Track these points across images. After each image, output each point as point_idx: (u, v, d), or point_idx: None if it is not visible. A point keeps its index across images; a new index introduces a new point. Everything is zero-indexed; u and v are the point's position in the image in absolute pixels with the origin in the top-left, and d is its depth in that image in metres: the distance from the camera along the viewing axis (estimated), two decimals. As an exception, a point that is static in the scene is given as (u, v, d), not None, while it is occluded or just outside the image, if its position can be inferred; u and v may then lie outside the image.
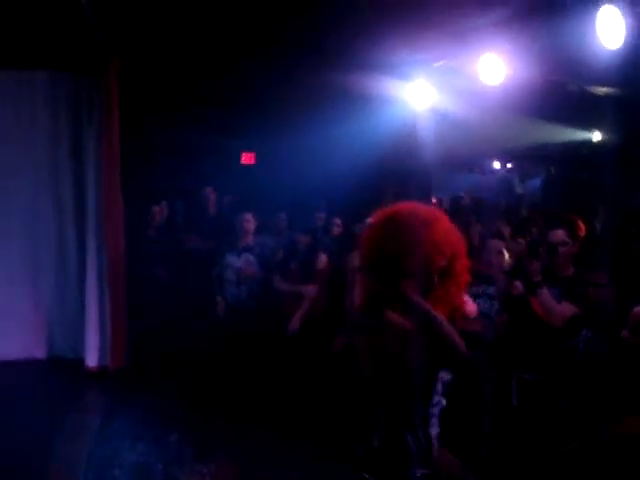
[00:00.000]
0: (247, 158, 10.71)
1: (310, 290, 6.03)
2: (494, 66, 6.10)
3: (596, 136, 11.02)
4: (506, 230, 6.93)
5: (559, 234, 3.89)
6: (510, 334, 4.06)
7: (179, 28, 5.84)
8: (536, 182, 15.73)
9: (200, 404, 5.48)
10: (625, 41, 4.69)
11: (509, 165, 15.95)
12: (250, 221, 6.42)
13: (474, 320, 4.38)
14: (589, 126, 10.75)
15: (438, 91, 7.55)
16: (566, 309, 3.76)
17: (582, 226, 4.10)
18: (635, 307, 3.22)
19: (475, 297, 4.41)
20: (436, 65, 7.05)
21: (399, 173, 8.81)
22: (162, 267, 6.78)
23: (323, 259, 6.18)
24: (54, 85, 6.56)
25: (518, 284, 4.01)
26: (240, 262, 6.28)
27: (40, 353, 6.67)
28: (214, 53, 6.43)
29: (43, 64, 6.44)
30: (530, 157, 13.74)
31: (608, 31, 4.69)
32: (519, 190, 16.68)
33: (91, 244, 6.35)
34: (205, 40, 6.13)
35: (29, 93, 6.54)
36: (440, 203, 12.67)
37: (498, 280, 4.30)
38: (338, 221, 7.10)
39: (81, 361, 6.34)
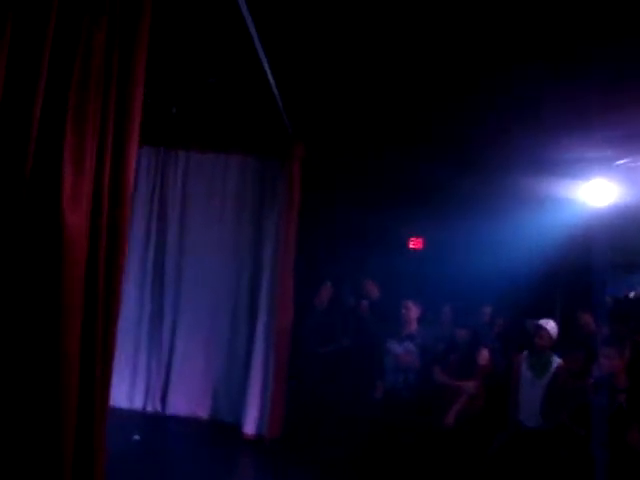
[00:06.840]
0: (416, 243, 10.76)
1: (469, 386, 5.88)
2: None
3: None
4: None
5: None
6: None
7: (357, 117, 6.17)
8: None
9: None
10: None
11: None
12: (411, 309, 6.40)
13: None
14: None
15: (620, 189, 7.24)
16: None
17: None
18: None
19: None
20: (618, 163, 6.81)
21: (571, 272, 8.44)
22: (326, 345, 6.93)
23: (485, 355, 6.00)
24: (244, 167, 7.16)
25: None
26: (400, 349, 6.27)
27: (203, 413, 7.08)
28: (388, 141, 6.68)
29: (235, 148, 7.10)
30: None
31: None
32: None
33: (261, 319, 6.72)
34: (379, 129, 6.41)
35: (221, 173, 7.18)
36: (614, 302, 11.87)
37: None
38: (500, 321, 6.95)
39: (239, 426, 6.61)
